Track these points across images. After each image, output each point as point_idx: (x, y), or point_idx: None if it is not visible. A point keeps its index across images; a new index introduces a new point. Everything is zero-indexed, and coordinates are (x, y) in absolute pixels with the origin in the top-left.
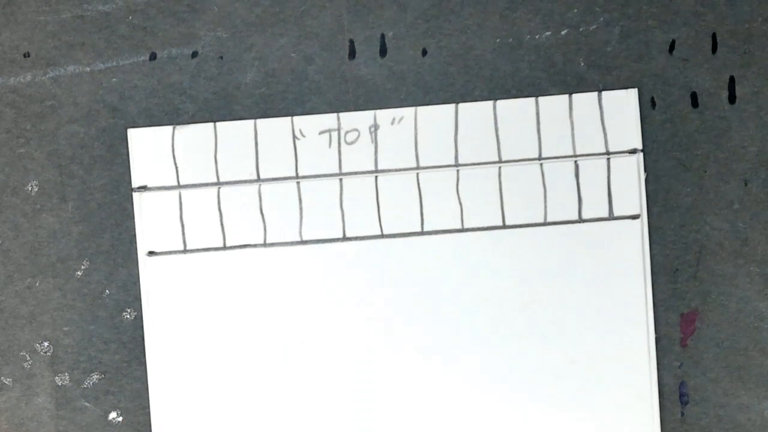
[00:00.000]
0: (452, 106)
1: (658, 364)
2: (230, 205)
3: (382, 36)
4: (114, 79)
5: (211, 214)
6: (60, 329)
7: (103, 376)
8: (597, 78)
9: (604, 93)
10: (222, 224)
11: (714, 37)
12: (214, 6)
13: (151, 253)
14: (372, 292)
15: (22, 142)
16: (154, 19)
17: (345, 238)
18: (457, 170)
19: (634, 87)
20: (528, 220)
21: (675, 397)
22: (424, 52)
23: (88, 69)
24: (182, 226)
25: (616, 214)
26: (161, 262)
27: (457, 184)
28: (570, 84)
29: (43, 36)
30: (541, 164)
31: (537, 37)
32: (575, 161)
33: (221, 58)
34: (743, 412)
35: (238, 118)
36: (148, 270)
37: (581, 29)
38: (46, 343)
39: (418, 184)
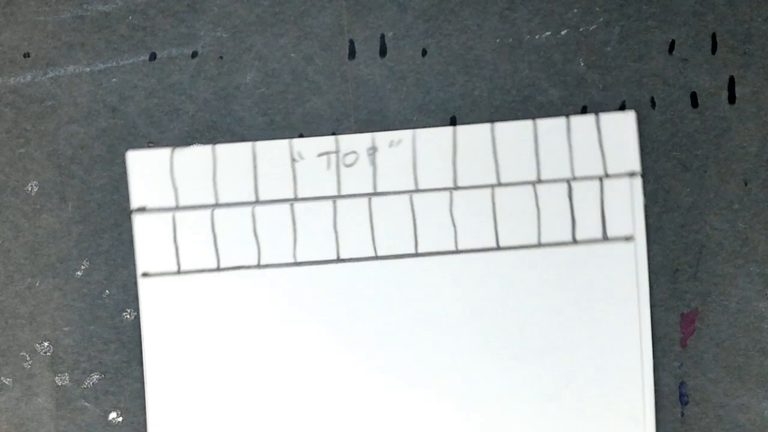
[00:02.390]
0: (450, 128)
1: (658, 364)
2: (225, 227)
3: (382, 36)
4: (114, 79)
5: (206, 236)
6: (60, 329)
7: (103, 376)
8: (597, 78)
9: (602, 115)
10: (216, 246)
11: (714, 37)
12: (214, 6)
13: (145, 275)
14: (365, 313)
15: (22, 142)
16: (154, 19)
17: (339, 260)
18: (451, 192)
19: (633, 87)
20: (522, 241)
21: (675, 397)
22: (424, 52)
23: (88, 69)
24: (176, 247)
25: (610, 235)
26: (155, 284)
27: (451, 206)
28: (570, 84)
29: (43, 36)
30: (535, 186)
31: (537, 37)
32: (568, 182)
33: (221, 58)
34: (743, 412)
35: (238, 118)
36: (144, 292)
37: (581, 29)
38: (46, 343)
39: (412, 205)
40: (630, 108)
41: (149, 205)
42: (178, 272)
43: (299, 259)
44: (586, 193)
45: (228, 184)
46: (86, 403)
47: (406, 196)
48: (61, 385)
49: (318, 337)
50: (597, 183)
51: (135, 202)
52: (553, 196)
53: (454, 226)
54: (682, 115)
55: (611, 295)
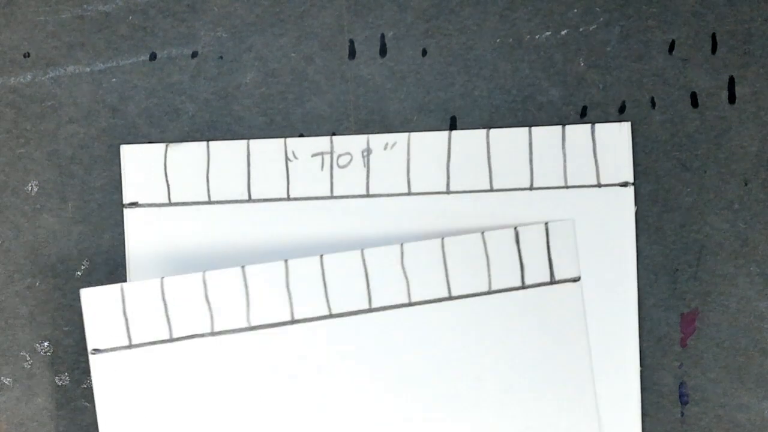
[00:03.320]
0: (446, 133)
1: (657, 363)
2: (176, 295)
3: (382, 36)
4: (114, 79)
5: (156, 306)
6: (60, 329)
7: None
8: (597, 78)
9: (597, 126)
10: (167, 315)
11: (714, 37)
12: (214, 6)
13: (95, 351)
14: (322, 371)
15: (22, 142)
16: (154, 19)
17: (293, 321)
18: (401, 246)
19: (633, 87)
20: (473, 290)
21: (675, 397)
22: (424, 52)
23: (88, 69)
24: (126, 320)
25: (557, 278)
26: (107, 359)
27: (402, 259)
28: (570, 84)
29: (43, 36)
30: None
31: (537, 37)
32: (515, 229)
33: (221, 58)
34: (743, 412)
35: (238, 118)
36: (96, 368)
37: (581, 29)
38: (46, 343)
39: (364, 261)
40: (630, 108)
41: (141, 200)
42: (130, 346)
43: (253, 324)
44: (532, 237)
45: (221, 181)
46: (86, 403)
47: (358, 252)
48: (61, 385)
49: (278, 400)
50: (542, 227)
51: (127, 197)
52: (499, 244)
53: (407, 278)
54: (682, 115)
55: (561, 336)
